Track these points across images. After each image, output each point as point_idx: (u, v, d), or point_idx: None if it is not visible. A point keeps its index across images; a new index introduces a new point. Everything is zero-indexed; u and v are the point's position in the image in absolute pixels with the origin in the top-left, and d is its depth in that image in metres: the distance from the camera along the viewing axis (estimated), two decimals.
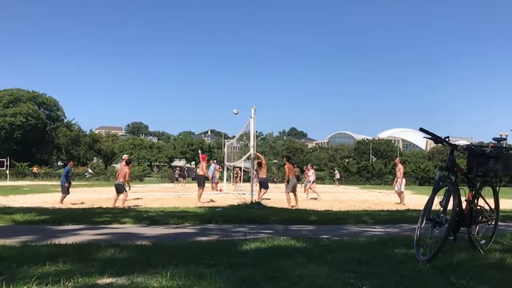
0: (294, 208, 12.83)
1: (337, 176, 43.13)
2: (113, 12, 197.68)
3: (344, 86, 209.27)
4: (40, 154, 72.56)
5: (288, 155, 24.28)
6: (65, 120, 78.50)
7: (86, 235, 5.82)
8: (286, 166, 14.80)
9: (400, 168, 16.28)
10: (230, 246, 4.65)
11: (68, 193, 15.19)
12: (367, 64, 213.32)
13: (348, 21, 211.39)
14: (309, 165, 22.06)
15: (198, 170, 16.54)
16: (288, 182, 14.29)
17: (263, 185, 16.17)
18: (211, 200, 15.78)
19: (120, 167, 15.43)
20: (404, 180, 16.30)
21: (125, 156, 16.07)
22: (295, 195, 14.26)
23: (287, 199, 14.19)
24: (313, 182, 19.67)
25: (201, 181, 16.36)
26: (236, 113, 17.21)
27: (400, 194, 15.98)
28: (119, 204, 13.33)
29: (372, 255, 4.01)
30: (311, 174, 19.94)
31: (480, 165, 4.03)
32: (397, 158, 18.59)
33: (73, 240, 5.10)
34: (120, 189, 13.84)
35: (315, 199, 18.00)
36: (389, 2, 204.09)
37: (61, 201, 14.52)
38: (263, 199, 15.01)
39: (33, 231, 6.24)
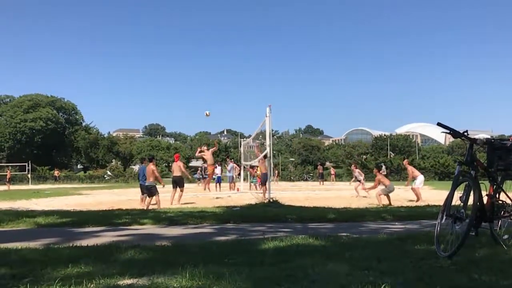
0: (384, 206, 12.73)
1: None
2: (127, 14, 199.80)
3: (360, 81, 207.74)
4: (60, 157, 73.80)
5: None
6: (84, 124, 79.61)
7: (107, 237, 5.89)
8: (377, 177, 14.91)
9: (410, 170, 16.01)
10: (249, 246, 4.66)
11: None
12: (382, 58, 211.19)
13: (360, 14, 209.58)
14: (353, 165, 22.16)
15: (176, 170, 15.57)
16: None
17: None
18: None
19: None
20: (420, 178, 15.77)
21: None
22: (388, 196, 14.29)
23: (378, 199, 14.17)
24: (360, 181, 19.64)
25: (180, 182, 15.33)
26: (208, 115, 18.03)
27: (416, 190, 15.63)
28: (155, 204, 13.02)
29: (392, 252, 3.98)
30: (357, 174, 19.97)
31: (501, 159, 3.95)
32: (405, 160, 18.26)
33: (94, 242, 5.17)
34: (153, 191, 13.11)
35: (364, 197, 17.87)
36: None
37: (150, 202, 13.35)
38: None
39: (55, 233, 6.36)
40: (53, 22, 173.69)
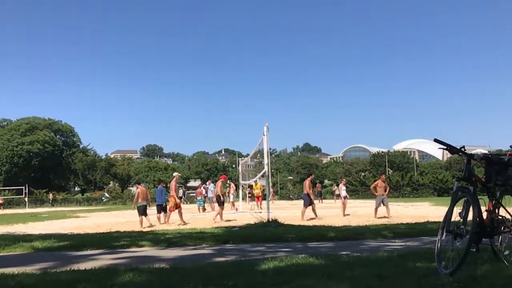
0: None
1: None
2: (125, 38, 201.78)
3: (356, 98, 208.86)
4: (58, 180, 73.49)
5: None
6: (81, 146, 79.56)
7: (105, 260, 5.84)
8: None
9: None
10: (249, 266, 4.62)
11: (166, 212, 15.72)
12: (378, 75, 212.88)
13: (355, 33, 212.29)
14: (341, 179, 22.62)
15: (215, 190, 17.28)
16: None
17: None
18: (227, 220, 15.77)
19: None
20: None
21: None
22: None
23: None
24: (345, 197, 19.66)
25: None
26: None
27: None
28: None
29: (393, 270, 3.95)
30: (343, 189, 20.16)
31: (499, 174, 3.95)
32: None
33: (92, 265, 5.12)
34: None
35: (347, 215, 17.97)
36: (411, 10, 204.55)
37: (167, 220, 15.43)
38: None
39: (52, 257, 6.29)
40: (49, 46, 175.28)
